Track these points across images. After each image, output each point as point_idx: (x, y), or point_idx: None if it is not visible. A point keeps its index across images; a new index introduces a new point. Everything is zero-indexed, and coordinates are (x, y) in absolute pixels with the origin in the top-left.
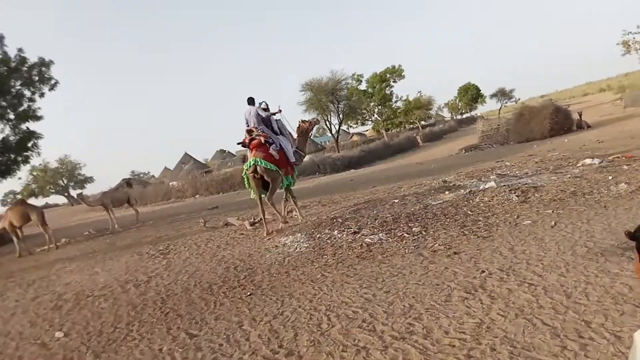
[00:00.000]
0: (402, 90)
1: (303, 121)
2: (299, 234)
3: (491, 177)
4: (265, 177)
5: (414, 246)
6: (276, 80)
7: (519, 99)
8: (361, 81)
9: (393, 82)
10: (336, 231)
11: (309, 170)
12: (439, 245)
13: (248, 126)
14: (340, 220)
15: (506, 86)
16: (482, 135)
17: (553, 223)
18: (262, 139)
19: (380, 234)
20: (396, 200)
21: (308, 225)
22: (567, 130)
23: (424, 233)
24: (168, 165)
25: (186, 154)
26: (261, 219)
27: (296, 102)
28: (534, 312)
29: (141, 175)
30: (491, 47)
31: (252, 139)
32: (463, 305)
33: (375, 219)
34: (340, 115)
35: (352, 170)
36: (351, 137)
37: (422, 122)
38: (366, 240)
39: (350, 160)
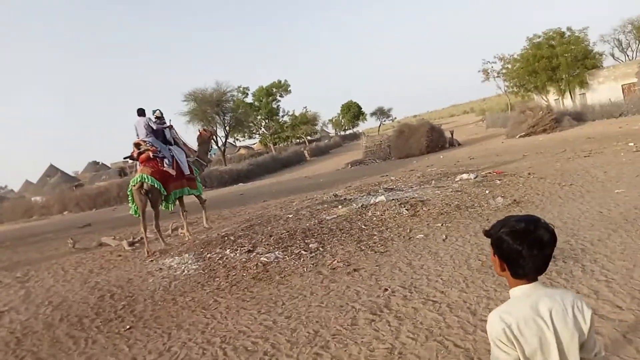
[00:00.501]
0: (289, 105)
1: (204, 130)
2: (187, 255)
3: (380, 191)
4: (150, 196)
5: (313, 264)
6: (154, 88)
7: (395, 118)
8: (247, 94)
9: (280, 96)
10: (228, 250)
11: None
12: (337, 262)
13: (138, 138)
14: (232, 238)
15: (385, 105)
16: (366, 150)
17: (444, 237)
18: (151, 154)
19: (276, 252)
20: (290, 216)
21: (196, 245)
22: (441, 148)
23: (322, 249)
24: (30, 179)
25: (52, 166)
26: (142, 237)
27: (178, 113)
28: (444, 333)
29: None
30: (371, 68)
31: (140, 153)
32: (370, 328)
33: (270, 236)
34: (227, 128)
35: (241, 183)
36: (238, 150)
37: (309, 137)
38: (262, 259)
39: (239, 173)
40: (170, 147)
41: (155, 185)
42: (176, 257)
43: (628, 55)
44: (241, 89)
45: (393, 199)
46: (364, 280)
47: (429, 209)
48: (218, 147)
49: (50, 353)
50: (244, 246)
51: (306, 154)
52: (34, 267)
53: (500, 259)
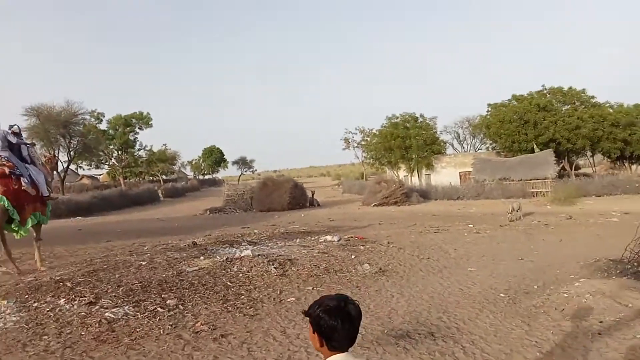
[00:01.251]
0: (147, 139)
1: (53, 155)
2: (5, 302)
3: (243, 244)
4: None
5: (171, 325)
6: None
7: (256, 170)
8: (102, 120)
9: (139, 128)
10: (63, 300)
11: None
12: (201, 324)
13: None
14: (69, 284)
15: (247, 156)
16: (227, 199)
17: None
18: (7, 170)
19: (126, 307)
20: (143, 263)
21: (20, 289)
22: (302, 206)
23: (182, 307)
24: None
25: None
26: None
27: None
28: None
29: None
30: (238, 116)
31: None
32: None
33: (119, 286)
34: (72, 153)
35: (79, 217)
36: (81, 178)
37: (164, 176)
38: (107, 314)
39: (79, 205)
40: (27, 165)
41: (6, 205)
42: None
43: (464, 147)
44: (95, 113)
45: (259, 255)
46: (234, 350)
47: (297, 270)
48: (57, 172)
49: None
50: (84, 296)
51: (160, 194)
52: None
53: (319, 335)
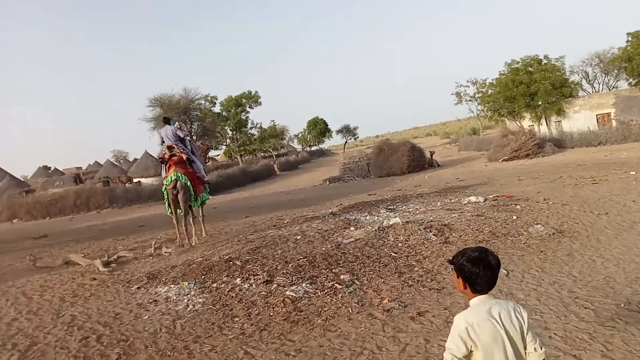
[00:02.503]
0: (257, 118)
1: (202, 143)
2: (185, 283)
3: (382, 212)
4: (182, 194)
5: (357, 303)
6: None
7: (358, 137)
8: (215, 103)
9: (249, 107)
10: (239, 279)
11: (159, 195)
12: (388, 301)
13: (164, 143)
14: (238, 263)
15: (350, 123)
16: (343, 167)
17: (505, 272)
18: (184, 156)
19: (303, 285)
20: (298, 237)
21: (194, 270)
22: (422, 168)
23: (358, 283)
24: None
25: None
26: (155, 247)
27: (141, 119)
28: None
29: None
30: (337, 84)
31: (172, 155)
32: None
33: (286, 262)
34: (194, 137)
35: (210, 196)
36: None
37: (275, 152)
38: (288, 293)
39: (207, 185)
40: (193, 155)
41: (188, 184)
42: (172, 286)
43: (594, 88)
44: (209, 97)
45: (409, 222)
46: (439, 330)
47: (460, 236)
48: (209, 158)
49: None
50: (258, 274)
51: (276, 169)
52: None
53: (463, 280)
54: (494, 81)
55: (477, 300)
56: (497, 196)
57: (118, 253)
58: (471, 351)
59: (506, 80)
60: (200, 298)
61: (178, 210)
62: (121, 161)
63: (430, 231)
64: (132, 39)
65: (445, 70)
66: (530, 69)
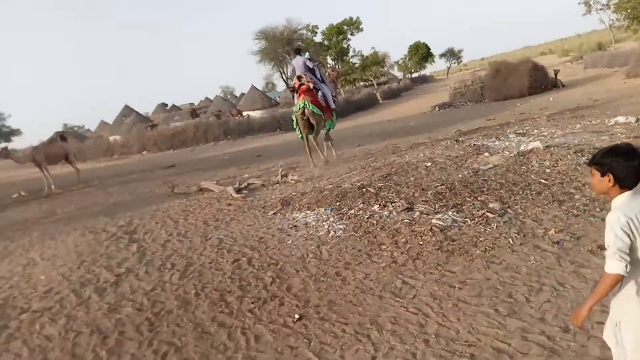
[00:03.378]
0: (357, 45)
1: (332, 70)
2: (322, 209)
3: (510, 136)
4: (311, 120)
5: (516, 233)
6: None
7: (462, 61)
8: (316, 32)
9: (351, 34)
10: (376, 206)
11: (269, 127)
12: (554, 232)
13: (295, 73)
14: (371, 190)
15: (455, 46)
16: (454, 92)
17: None
18: (311, 85)
19: (449, 213)
20: (428, 164)
21: (326, 197)
22: (545, 89)
23: (511, 212)
24: (105, 119)
25: (127, 107)
26: (283, 175)
27: (248, 52)
28: None
29: (76, 129)
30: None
31: (301, 85)
32: None
33: (423, 189)
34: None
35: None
36: None
37: (376, 80)
38: (434, 222)
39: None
40: (322, 83)
41: (314, 110)
42: (307, 212)
43: None
44: (310, 27)
45: (552, 146)
46: None
47: None
48: (339, 87)
49: (201, 351)
50: (394, 201)
51: (379, 97)
52: (136, 214)
53: (614, 176)
54: None
55: (626, 197)
56: None
57: (248, 180)
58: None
59: None
60: (340, 224)
61: (308, 134)
62: (229, 96)
63: (583, 155)
64: None
65: None
66: None
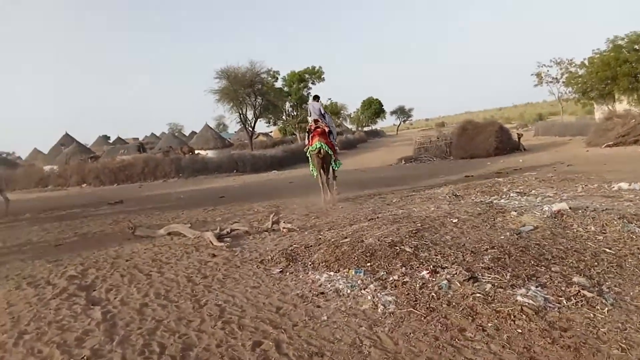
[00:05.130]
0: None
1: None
2: (352, 271)
3: (513, 195)
4: (325, 159)
5: (630, 325)
6: (165, 62)
7: (411, 119)
8: (277, 78)
9: (312, 83)
10: (425, 272)
11: (225, 167)
12: None
13: (310, 116)
14: (407, 249)
15: (406, 105)
16: (418, 147)
17: None
18: (326, 129)
19: (531, 287)
20: (454, 220)
21: (347, 253)
22: (509, 151)
23: (607, 289)
24: (38, 147)
25: (67, 135)
26: (273, 223)
27: (207, 90)
28: None
29: (5, 155)
30: (394, 65)
31: (316, 127)
32: None
33: (472, 252)
34: (258, 111)
35: (275, 171)
36: (257, 136)
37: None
38: (519, 299)
39: (273, 160)
40: (331, 127)
41: (329, 152)
42: (330, 273)
43: None
44: (271, 72)
45: (577, 209)
46: None
47: None
48: (246, 131)
49: None
50: (446, 266)
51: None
52: (89, 261)
53: None
54: (586, 61)
55: None
56: None
57: (231, 226)
58: None
59: (608, 59)
60: (386, 296)
61: (322, 172)
62: (176, 133)
63: (629, 221)
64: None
65: (504, 56)
66: (636, 46)
